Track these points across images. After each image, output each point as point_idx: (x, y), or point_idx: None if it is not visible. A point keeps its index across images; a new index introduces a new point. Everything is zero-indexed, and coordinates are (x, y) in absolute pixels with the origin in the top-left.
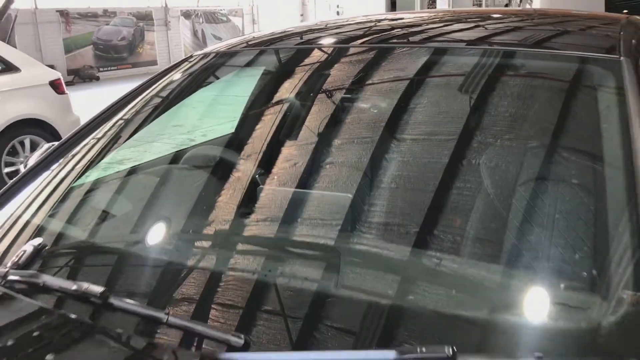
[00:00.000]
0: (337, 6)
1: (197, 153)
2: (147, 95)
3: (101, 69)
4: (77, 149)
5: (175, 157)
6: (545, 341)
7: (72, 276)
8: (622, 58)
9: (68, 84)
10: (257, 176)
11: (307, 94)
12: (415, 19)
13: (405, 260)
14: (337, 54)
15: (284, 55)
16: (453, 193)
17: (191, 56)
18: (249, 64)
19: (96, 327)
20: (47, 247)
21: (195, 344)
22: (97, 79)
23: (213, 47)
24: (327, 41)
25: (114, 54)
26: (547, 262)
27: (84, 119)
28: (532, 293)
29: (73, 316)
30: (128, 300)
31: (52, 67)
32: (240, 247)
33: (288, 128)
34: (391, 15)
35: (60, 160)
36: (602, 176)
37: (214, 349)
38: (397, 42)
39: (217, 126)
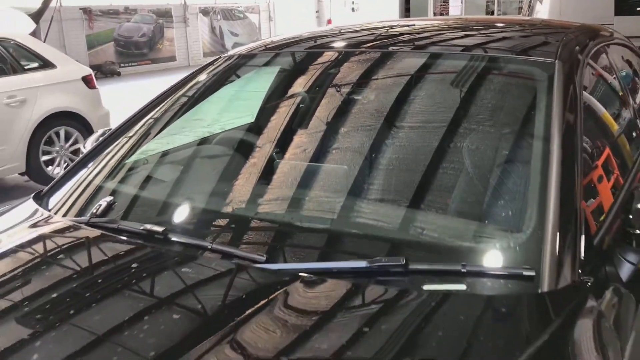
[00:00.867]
0: (352, 2)
1: (229, 135)
2: (186, 89)
3: (122, 65)
4: (132, 131)
5: (210, 140)
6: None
7: (138, 220)
8: (556, 61)
9: None
10: (274, 154)
11: (317, 90)
12: (412, 28)
13: (392, 208)
14: (343, 57)
15: (298, 56)
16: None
17: (219, 57)
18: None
19: (159, 253)
20: (115, 202)
21: (232, 261)
22: (119, 74)
23: (239, 49)
24: (337, 45)
25: (135, 50)
26: (485, 207)
27: (112, 113)
28: (471, 229)
29: (144, 246)
30: (182, 235)
31: None
32: (260, 200)
33: (301, 117)
34: (393, 23)
35: (118, 140)
36: (530, 145)
37: (246, 263)
38: (396, 48)
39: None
